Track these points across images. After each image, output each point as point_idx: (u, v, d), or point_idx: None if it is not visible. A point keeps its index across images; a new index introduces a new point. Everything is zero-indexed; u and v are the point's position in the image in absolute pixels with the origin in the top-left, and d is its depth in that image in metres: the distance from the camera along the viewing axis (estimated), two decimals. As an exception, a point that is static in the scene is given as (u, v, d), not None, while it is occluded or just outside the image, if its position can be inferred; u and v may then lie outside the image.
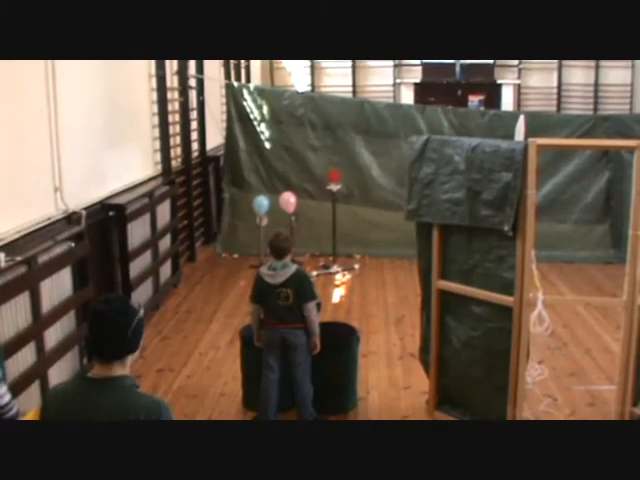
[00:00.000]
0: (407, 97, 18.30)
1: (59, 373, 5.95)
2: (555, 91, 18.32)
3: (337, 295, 9.22)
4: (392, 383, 6.71)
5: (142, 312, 2.93)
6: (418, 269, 6.08)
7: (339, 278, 9.89)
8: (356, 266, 10.29)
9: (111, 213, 7.46)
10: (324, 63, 18.06)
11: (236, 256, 11.04)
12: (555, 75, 18.24)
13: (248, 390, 6.22)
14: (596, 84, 18.25)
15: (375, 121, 10.95)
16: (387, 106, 11.59)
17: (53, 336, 5.96)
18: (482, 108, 17.05)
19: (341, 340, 6.28)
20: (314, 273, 9.86)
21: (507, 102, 18.23)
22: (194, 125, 11.19)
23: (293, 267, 5.74)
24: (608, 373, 6.74)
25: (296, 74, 17.79)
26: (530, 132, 8.78)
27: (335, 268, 10.09)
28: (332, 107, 11.18)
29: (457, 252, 5.71)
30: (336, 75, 17.92)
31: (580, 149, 10.38)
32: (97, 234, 7.18)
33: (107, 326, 2.82)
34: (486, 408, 5.74)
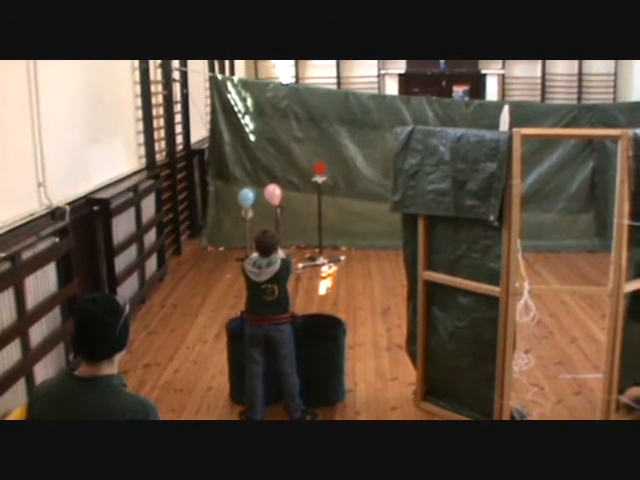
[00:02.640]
0: (391, 88, 18.28)
1: (45, 370, 5.92)
2: (539, 81, 18.35)
3: (323, 287, 9.22)
4: (379, 374, 6.72)
5: (128, 308, 2.90)
6: (404, 260, 6.08)
7: (325, 270, 9.88)
8: (342, 258, 10.28)
9: (95, 208, 7.42)
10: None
11: (222, 249, 11.02)
12: (539, 65, 18.27)
13: (235, 383, 6.21)
14: (580, 74, 18.29)
15: (360, 112, 10.92)
16: (371, 97, 11.57)
17: (38, 332, 5.92)
18: (466, 98, 17.08)
19: (328, 332, 6.28)
20: (300, 265, 9.86)
21: (491, 92, 18.25)
22: (178, 118, 11.15)
23: (278, 263, 5.66)
24: (594, 361, 6.77)
25: (280, 66, 17.74)
26: (515, 122, 8.78)
27: (321, 260, 10.08)
28: (316, 99, 11.15)
29: (443, 243, 5.71)
30: (320, 67, 17.88)
31: (564, 139, 10.41)
32: (82, 229, 7.14)
33: (96, 327, 2.78)
34: (473, 398, 5.75)
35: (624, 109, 11.15)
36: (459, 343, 5.74)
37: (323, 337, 6.23)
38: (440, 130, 5.83)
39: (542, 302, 7.66)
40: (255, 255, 5.76)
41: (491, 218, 5.26)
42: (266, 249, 5.68)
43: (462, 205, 5.44)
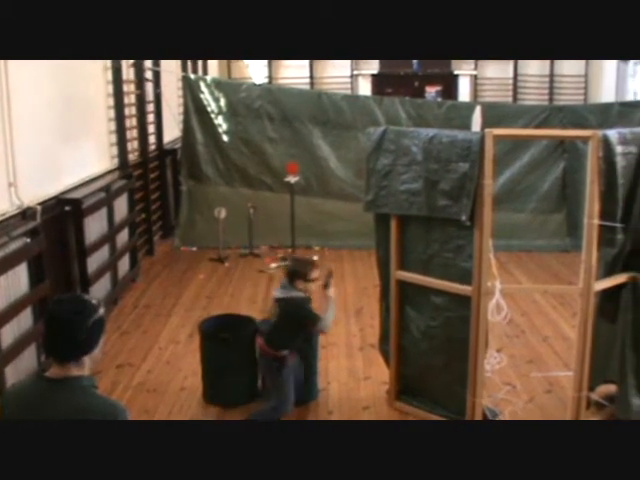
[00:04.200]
0: (364, 88, 18.32)
1: (16, 371, 5.87)
2: (511, 82, 18.48)
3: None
4: (352, 374, 6.73)
5: (102, 310, 2.87)
6: (377, 260, 6.11)
7: (298, 270, 9.88)
8: (315, 258, 10.27)
9: (67, 208, 7.37)
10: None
11: (195, 249, 10.98)
12: (511, 66, 18.40)
13: (208, 384, 6.20)
14: (551, 75, 18.44)
15: (333, 113, 10.94)
16: (345, 97, 11.60)
17: (10, 334, 5.88)
18: (439, 99, 17.14)
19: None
20: (272, 265, 9.85)
21: (464, 93, 18.35)
22: (151, 118, 11.10)
23: (292, 293, 5.55)
24: (565, 359, 6.83)
25: (253, 66, 17.71)
26: (487, 122, 8.84)
27: (294, 260, 10.09)
28: (289, 99, 11.15)
29: (415, 242, 5.74)
30: (293, 67, 17.87)
31: (536, 139, 10.49)
32: (53, 229, 7.09)
33: (64, 328, 2.76)
34: (446, 397, 5.79)
35: (594, 110, 11.26)
36: (432, 342, 5.77)
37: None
38: (412, 130, 5.86)
39: (514, 301, 7.71)
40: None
41: (463, 218, 5.30)
42: (287, 273, 5.72)
43: (434, 205, 5.48)
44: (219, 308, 8.11)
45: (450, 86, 18.38)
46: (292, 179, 10.12)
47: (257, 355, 5.91)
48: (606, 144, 5.32)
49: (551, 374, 6.54)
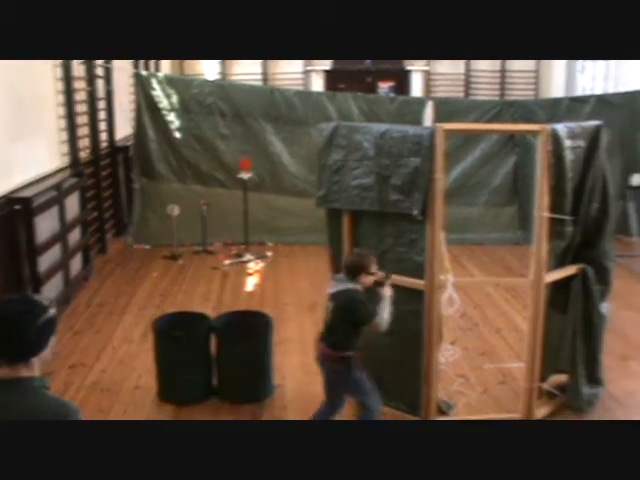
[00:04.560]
0: (317, 84, 18.33)
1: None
2: (463, 77, 18.62)
3: (250, 284, 9.20)
4: (307, 369, 6.72)
5: (52, 311, 2.84)
6: (329, 255, 6.11)
7: (252, 266, 9.86)
8: (269, 254, 10.28)
9: (17, 207, 7.26)
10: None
11: (148, 247, 10.90)
12: (463, 62, 18.53)
13: (162, 382, 6.16)
14: (503, 70, 18.63)
15: (285, 109, 10.93)
16: (297, 93, 11.60)
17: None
18: (392, 94, 17.22)
19: (254, 329, 6.28)
20: (226, 262, 9.82)
21: (416, 88, 18.45)
22: (102, 115, 10.98)
23: (348, 285, 5.02)
24: (517, 351, 6.91)
25: (206, 62, 17.61)
26: (438, 117, 8.94)
27: (248, 257, 10.05)
28: (242, 95, 11.11)
29: (368, 237, 5.76)
30: (246, 63, 17.80)
31: (487, 134, 10.59)
32: (3, 228, 6.99)
33: (11, 328, 2.73)
34: (401, 390, 5.81)
35: (544, 105, 11.41)
36: (386, 336, 5.77)
37: (249, 334, 6.23)
38: (364, 126, 5.88)
39: (467, 294, 7.79)
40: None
41: (415, 212, 5.34)
42: (347, 270, 5.07)
43: (386, 200, 5.50)
44: (173, 306, 8.07)
45: (403, 82, 18.46)
46: (245, 175, 10.08)
47: (320, 362, 5.26)
48: (555, 138, 5.40)
49: (504, 366, 6.61)
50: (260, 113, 10.94)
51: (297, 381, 6.53)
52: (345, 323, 5.01)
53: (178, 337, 6.09)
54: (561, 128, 5.48)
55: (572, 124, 5.69)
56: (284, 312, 8.12)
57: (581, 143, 5.66)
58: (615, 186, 10.14)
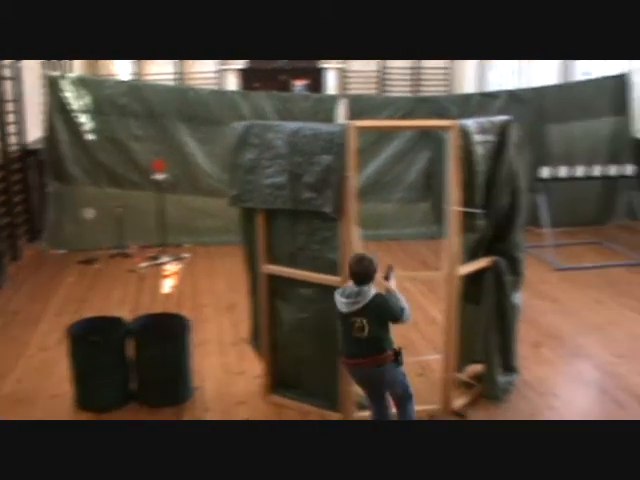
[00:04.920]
0: (232, 83, 18.28)
1: None
2: (377, 74, 18.80)
3: (167, 286, 9.09)
4: (226, 370, 6.71)
5: None
6: (244, 255, 6.09)
7: (169, 268, 9.75)
8: (186, 255, 10.19)
9: None
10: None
11: (63, 252, 10.65)
12: (377, 59, 18.70)
13: (80, 389, 6.05)
14: (416, 67, 18.89)
15: (200, 108, 10.83)
16: (211, 93, 11.54)
17: None
18: (306, 92, 17.28)
19: (171, 331, 6.22)
20: (143, 265, 9.69)
21: (331, 86, 18.55)
22: (12, 118, 10.69)
23: (371, 293, 4.92)
24: (434, 343, 6.99)
25: (119, 63, 17.34)
26: (352, 114, 9.00)
27: (164, 258, 9.94)
28: (155, 95, 10.95)
29: (282, 236, 5.76)
30: (160, 63, 17.61)
31: (399, 130, 10.66)
32: None
33: None
34: (320, 387, 5.84)
35: (456, 101, 11.59)
36: (303, 334, 5.81)
37: (167, 336, 6.16)
38: (277, 124, 5.88)
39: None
40: (349, 284, 5.05)
41: (328, 210, 5.36)
42: (361, 277, 4.92)
43: (299, 198, 5.51)
44: (90, 311, 7.90)
45: (317, 79, 18.55)
46: (159, 177, 9.96)
47: (364, 375, 5.13)
48: (465, 133, 5.50)
49: (422, 358, 6.68)
50: (174, 113, 10.80)
51: (217, 382, 6.49)
52: (384, 326, 4.98)
53: (94, 342, 5.98)
54: (471, 123, 5.58)
55: (482, 119, 5.80)
56: (202, 313, 8.06)
57: (491, 138, 5.78)
58: (525, 179, 10.44)
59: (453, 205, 5.56)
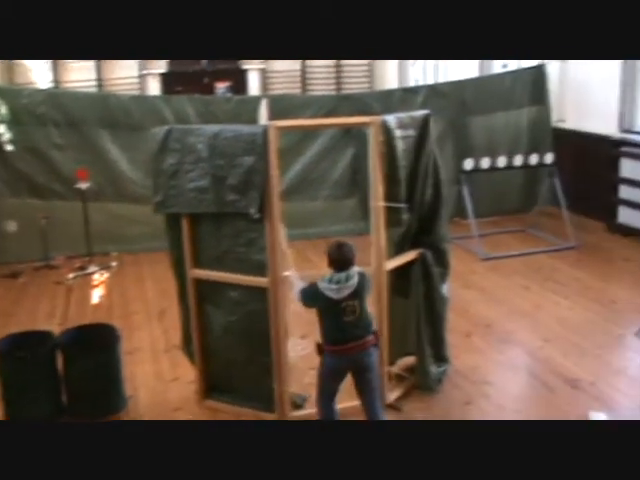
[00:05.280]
0: (154, 88, 18.10)
1: None
2: (299, 73, 18.83)
3: (96, 296, 8.94)
4: (159, 377, 6.65)
5: None
6: (171, 260, 6.05)
7: (97, 278, 9.59)
8: (114, 264, 10.03)
9: None
10: (65, 58, 17.44)
11: (-16, 267, 10.38)
12: (298, 58, 18.75)
13: (9, 406, 5.91)
14: (338, 65, 18.98)
15: (121, 114, 10.65)
16: (132, 98, 11.35)
17: None
18: (229, 94, 17.21)
19: (101, 342, 6.13)
20: (70, 276, 9.52)
21: (253, 87, 18.53)
22: None
23: (356, 276, 5.03)
24: (367, 339, 7.04)
25: (37, 70, 17.00)
26: (275, 115, 8.96)
27: (92, 268, 9.77)
28: (75, 103, 10.73)
29: (208, 239, 5.73)
30: (80, 69, 17.34)
31: (320, 129, 10.63)
32: None
33: None
34: (254, 389, 5.83)
35: (378, 97, 11.66)
36: (234, 337, 5.79)
37: (96, 348, 6.08)
38: (198, 128, 5.85)
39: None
40: (328, 274, 5.10)
41: (252, 211, 5.36)
42: (344, 264, 5.04)
43: (223, 200, 5.50)
44: (17, 326, 7.70)
45: (240, 81, 18.49)
46: (83, 185, 9.77)
47: (346, 363, 5.12)
48: (385, 129, 5.56)
49: (354, 354, 6.71)
50: (95, 120, 10.59)
51: (151, 390, 6.42)
52: (365, 302, 5.09)
53: (21, 358, 5.86)
54: (391, 119, 5.65)
55: (402, 114, 5.88)
56: (133, 322, 7.96)
57: (411, 132, 5.85)
58: (450, 171, 10.62)
59: (377, 200, 5.61)
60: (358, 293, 5.01)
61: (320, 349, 5.17)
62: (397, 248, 6.04)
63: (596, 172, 11.16)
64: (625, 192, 10.65)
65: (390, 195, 5.68)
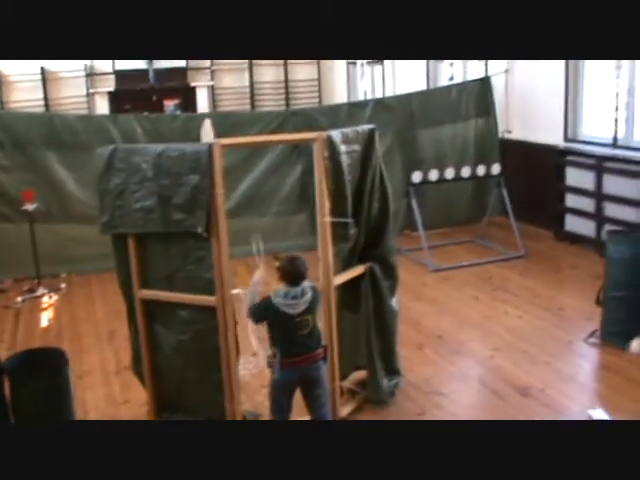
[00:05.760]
0: (102, 107, 17.98)
1: None
2: (248, 90, 18.87)
3: (45, 319, 8.81)
4: (110, 400, 6.57)
5: None
6: (119, 281, 6.00)
7: (46, 301, 9.45)
8: (63, 285, 9.90)
9: None
10: (13, 77, 17.23)
11: None
12: (247, 74, 18.80)
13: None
14: (286, 80, 19.04)
15: (67, 134, 10.54)
16: (78, 118, 11.27)
17: None
18: (178, 112, 17.17)
19: (47, 366, 6.03)
20: (19, 299, 9.38)
21: (202, 105, 18.48)
22: None
23: (309, 290, 5.13)
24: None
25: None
26: (222, 132, 9.00)
27: (41, 291, 9.63)
28: (20, 124, 10.60)
29: (156, 259, 5.69)
30: (26, 89, 17.21)
31: (265, 145, 10.59)
32: None
33: None
34: (206, 408, 5.78)
35: (326, 112, 11.72)
36: (185, 356, 5.75)
37: (43, 371, 5.98)
38: (142, 147, 5.83)
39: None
40: (282, 288, 5.16)
41: (199, 230, 5.34)
42: (299, 278, 5.12)
43: (170, 220, 5.47)
44: (-37, 354, 7.59)
45: (188, 98, 18.44)
46: (29, 207, 9.64)
47: (298, 377, 5.21)
48: (330, 144, 5.58)
49: (307, 370, 6.70)
50: (41, 141, 10.46)
51: (102, 413, 6.35)
52: (317, 318, 5.21)
53: (-34, 385, 5.75)
54: (336, 134, 5.67)
55: (347, 129, 5.89)
56: (83, 344, 7.86)
57: (356, 147, 5.88)
58: (399, 184, 10.71)
59: (323, 216, 5.63)
60: (311, 308, 5.12)
61: (270, 363, 5.20)
62: (345, 263, 6.06)
63: (543, 181, 11.34)
64: (571, 200, 10.84)
65: (337, 210, 5.70)
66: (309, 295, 5.07)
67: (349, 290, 6.08)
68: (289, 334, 5.07)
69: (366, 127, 6.08)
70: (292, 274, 5.11)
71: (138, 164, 5.55)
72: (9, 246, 10.05)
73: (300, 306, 5.03)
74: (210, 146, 5.33)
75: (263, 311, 5.16)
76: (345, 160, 5.69)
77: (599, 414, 5.21)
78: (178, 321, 5.71)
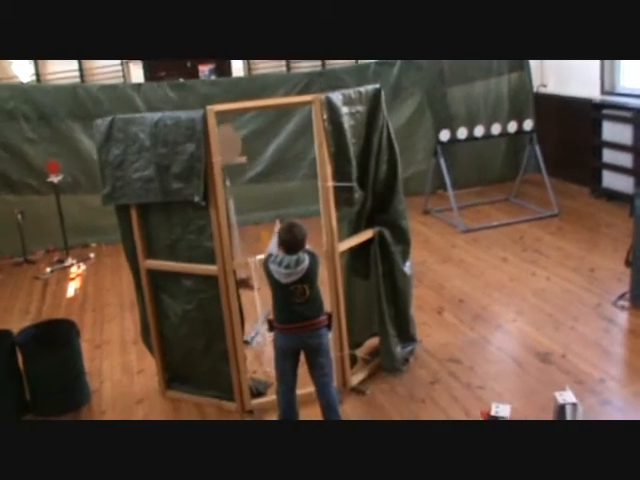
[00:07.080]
0: (137, 75, 17.88)
1: None
2: (284, 52, 18.58)
3: (71, 289, 8.85)
4: (125, 369, 6.57)
5: None
6: (125, 252, 5.97)
7: (74, 271, 9.49)
8: (91, 255, 9.94)
9: None
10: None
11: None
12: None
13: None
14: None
15: (91, 105, 10.54)
16: (102, 88, 11.28)
17: None
18: (213, 77, 17.04)
19: (60, 337, 6.06)
20: (48, 270, 9.44)
21: (237, 68, 18.30)
22: None
23: (306, 259, 4.87)
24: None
25: (17, 64, 16.83)
26: (251, 94, 8.95)
27: (70, 261, 9.68)
28: (45, 96, 10.65)
29: (158, 229, 5.64)
30: (61, 61, 17.18)
31: (261, 110, 10.19)
32: None
33: None
34: (213, 377, 5.76)
35: (352, 71, 11.45)
36: (190, 326, 5.70)
37: (56, 343, 6.01)
38: (140, 117, 5.72)
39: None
40: (280, 254, 4.95)
41: (196, 199, 5.25)
42: (295, 246, 4.89)
43: (169, 189, 5.38)
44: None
45: (223, 63, 18.26)
46: (55, 178, 9.66)
47: (301, 341, 5.02)
48: (330, 106, 5.41)
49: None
50: (66, 113, 10.48)
51: (116, 383, 6.36)
52: (316, 284, 4.98)
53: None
54: (336, 96, 5.50)
55: (348, 90, 5.70)
56: (105, 314, 7.88)
57: (360, 108, 5.71)
58: (430, 143, 10.49)
59: (324, 180, 5.50)
60: (308, 277, 4.89)
61: (272, 326, 5.12)
62: (353, 228, 5.93)
63: (579, 137, 10.98)
64: (608, 155, 10.49)
65: (341, 173, 5.55)
66: (305, 263, 4.84)
67: (359, 256, 5.95)
68: (282, 301, 4.94)
69: (371, 87, 5.88)
70: (288, 242, 4.90)
71: (136, 134, 5.47)
72: (39, 217, 10.11)
73: (292, 276, 4.83)
74: (204, 113, 5.21)
75: (265, 267, 4.99)
76: (347, 122, 5.52)
77: (569, 397, 4.93)
78: (183, 290, 5.65)
